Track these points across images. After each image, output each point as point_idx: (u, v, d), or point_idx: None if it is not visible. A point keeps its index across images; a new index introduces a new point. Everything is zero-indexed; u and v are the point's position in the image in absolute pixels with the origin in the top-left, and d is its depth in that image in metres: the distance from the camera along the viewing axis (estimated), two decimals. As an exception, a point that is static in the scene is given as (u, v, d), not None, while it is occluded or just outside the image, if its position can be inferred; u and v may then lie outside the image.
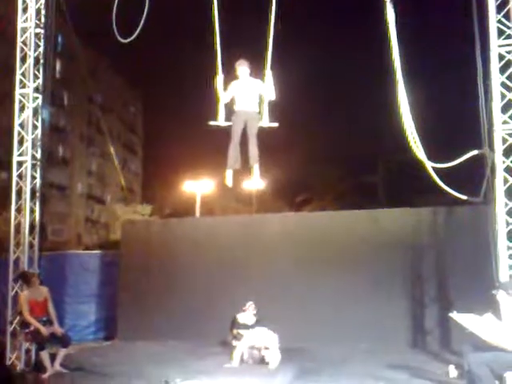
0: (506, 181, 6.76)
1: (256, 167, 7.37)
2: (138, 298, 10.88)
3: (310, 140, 35.55)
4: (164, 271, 10.93)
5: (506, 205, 6.74)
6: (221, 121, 7.37)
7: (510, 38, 6.92)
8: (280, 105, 7.55)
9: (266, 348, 8.13)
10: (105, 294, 11.70)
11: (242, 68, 7.40)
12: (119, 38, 7.81)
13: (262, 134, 7.47)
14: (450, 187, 7.21)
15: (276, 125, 7.47)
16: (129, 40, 7.79)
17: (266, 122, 7.42)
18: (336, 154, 35.21)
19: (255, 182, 7.18)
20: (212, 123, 7.36)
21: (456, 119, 25.20)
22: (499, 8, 6.97)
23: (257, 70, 7.43)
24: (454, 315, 5.65)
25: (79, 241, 45.46)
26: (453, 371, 7.10)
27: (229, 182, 7.43)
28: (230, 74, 7.46)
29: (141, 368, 8.02)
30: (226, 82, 7.38)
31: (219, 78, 7.31)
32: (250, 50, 7.96)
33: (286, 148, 34.56)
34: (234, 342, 8.68)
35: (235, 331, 8.93)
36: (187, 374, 7.48)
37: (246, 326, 8.68)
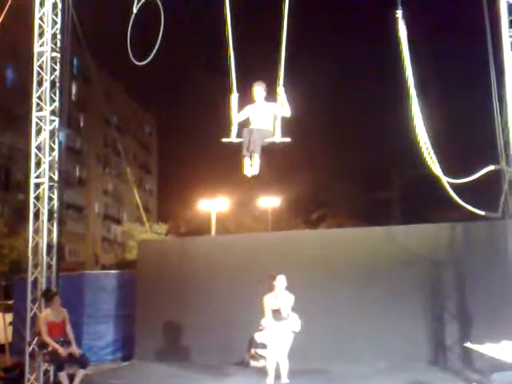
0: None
1: (257, 157, 7.13)
2: (155, 318, 10.86)
3: (324, 157, 35.60)
4: (181, 290, 10.90)
5: (525, 219, 6.67)
6: (233, 137, 7.38)
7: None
8: (295, 123, 7.52)
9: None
10: (122, 314, 11.67)
11: (258, 89, 7.42)
12: (134, 61, 7.90)
13: (278, 153, 7.43)
14: (467, 203, 7.14)
15: (288, 140, 7.42)
16: (145, 62, 7.87)
17: (278, 138, 7.39)
18: (350, 171, 35.19)
19: (254, 170, 6.93)
20: (224, 140, 7.37)
21: (472, 134, 25.05)
22: (512, 23, 7.00)
23: (274, 90, 7.43)
24: (469, 345, 5.58)
25: (96, 260, 45.68)
26: (475, 390, 6.97)
27: (247, 171, 7.14)
28: (244, 94, 7.48)
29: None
30: (241, 103, 7.40)
31: (234, 96, 7.34)
32: (266, 68, 7.97)
33: (300, 166, 34.65)
34: (252, 362, 8.60)
35: (253, 351, 8.85)
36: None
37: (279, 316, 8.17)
